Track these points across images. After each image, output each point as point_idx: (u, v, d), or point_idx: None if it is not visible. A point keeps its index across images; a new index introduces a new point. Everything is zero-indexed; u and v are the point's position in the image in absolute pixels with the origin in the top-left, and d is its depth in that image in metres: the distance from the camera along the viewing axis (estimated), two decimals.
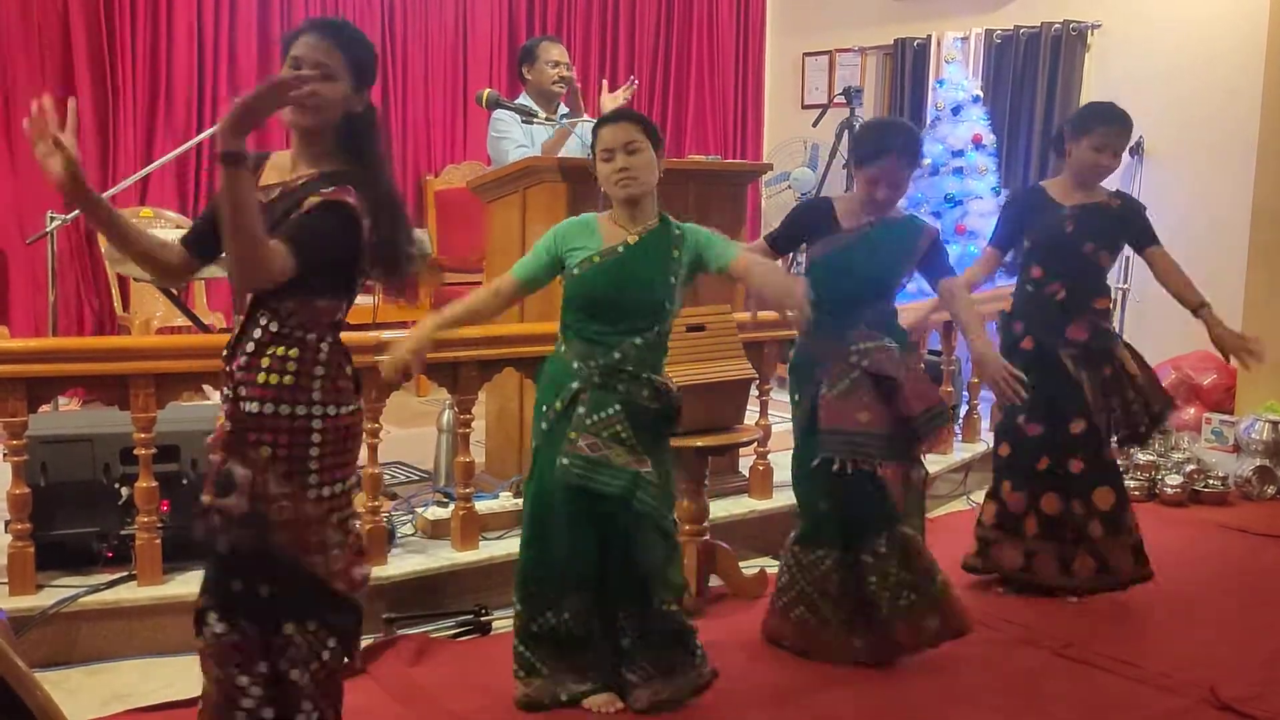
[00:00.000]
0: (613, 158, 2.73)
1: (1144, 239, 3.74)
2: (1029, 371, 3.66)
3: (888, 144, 3.15)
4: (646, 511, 2.76)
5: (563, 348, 2.85)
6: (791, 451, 3.34)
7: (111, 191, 4.42)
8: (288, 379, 2.20)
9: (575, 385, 2.78)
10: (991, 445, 4.02)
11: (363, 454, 3.52)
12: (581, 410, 2.75)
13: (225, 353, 2.29)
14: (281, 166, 2.30)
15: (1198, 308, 3.66)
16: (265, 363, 2.20)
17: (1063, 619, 3.63)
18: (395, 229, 2.27)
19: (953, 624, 3.24)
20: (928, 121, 6.79)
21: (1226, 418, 5.72)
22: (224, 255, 2.12)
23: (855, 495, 3.16)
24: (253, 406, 2.20)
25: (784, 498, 4.41)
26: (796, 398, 3.30)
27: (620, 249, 2.77)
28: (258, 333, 2.22)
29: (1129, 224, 3.73)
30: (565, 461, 2.74)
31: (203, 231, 2.29)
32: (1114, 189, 3.81)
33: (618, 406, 2.74)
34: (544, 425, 2.85)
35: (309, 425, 2.22)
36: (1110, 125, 3.66)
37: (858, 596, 3.22)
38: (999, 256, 3.89)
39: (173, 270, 2.33)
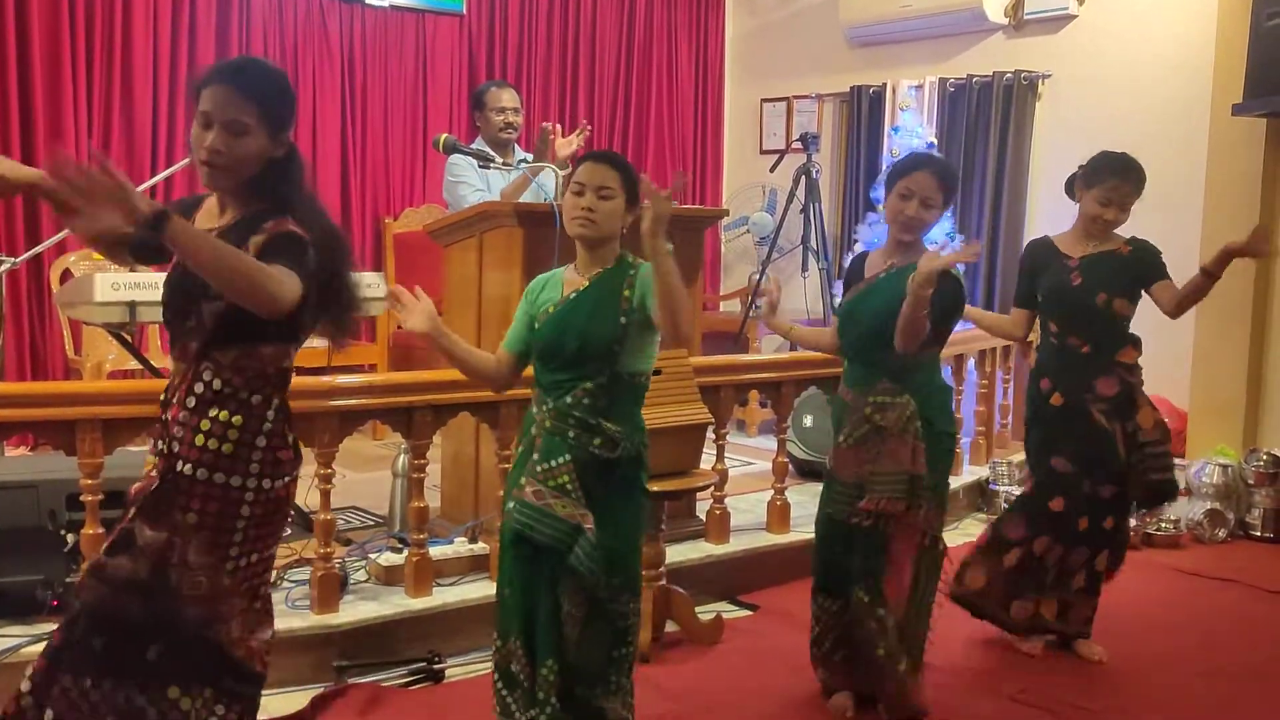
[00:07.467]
0: (582, 193, 2.65)
1: (1153, 276, 3.61)
2: (1059, 428, 3.62)
3: (923, 160, 3.16)
4: (581, 571, 2.57)
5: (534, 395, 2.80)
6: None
7: (65, 233, 4.37)
8: (227, 447, 2.09)
9: (533, 431, 2.74)
10: (1022, 486, 3.90)
11: (315, 500, 3.51)
12: (535, 456, 2.67)
13: (161, 398, 2.20)
14: (211, 211, 2.23)
15: (1199, 278, 3.53)
16: (205, 425, 2.09)
17: (1017, 664, 3.64)
18: (339, 262, 2.19)
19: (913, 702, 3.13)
20: (883, 168, 6.86)
21: (1178, 461, 5.74)
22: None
23: (850, 543, 3.10)
24: (186, 469, 2.09)
25: (740, 542, 4.41)
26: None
27: (572, 296, 2.72)
28: (199, 388, 2.11)
29: (1143, 266, 3.61)
30: (511, 506, 2.67)
31: None
32: (1129, 235, 3.69)
33: (567, 457, 2.61)
34: (508, 467, 2.83)
35: (241, 498, 2.11)
36: (1120, 179, 3.60)
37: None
38: (1026, 314, 3.80)
39: None
